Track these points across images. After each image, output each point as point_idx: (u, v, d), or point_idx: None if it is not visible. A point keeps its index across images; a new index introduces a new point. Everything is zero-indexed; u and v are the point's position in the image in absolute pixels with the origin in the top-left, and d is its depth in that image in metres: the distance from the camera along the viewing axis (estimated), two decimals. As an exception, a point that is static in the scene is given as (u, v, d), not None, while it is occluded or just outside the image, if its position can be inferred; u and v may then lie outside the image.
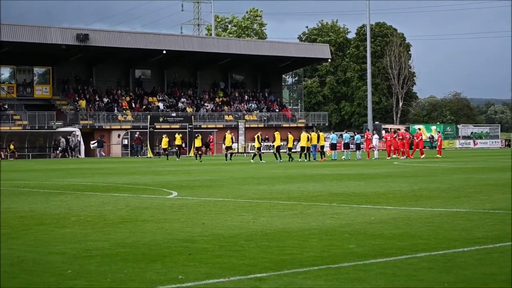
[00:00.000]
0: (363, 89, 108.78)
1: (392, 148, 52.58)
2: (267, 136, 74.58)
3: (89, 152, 67.46)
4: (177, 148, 58.14)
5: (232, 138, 54.05)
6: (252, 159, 49.08)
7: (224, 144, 53.15)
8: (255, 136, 50.97)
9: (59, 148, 65.64)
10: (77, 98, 72.66)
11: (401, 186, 24.37)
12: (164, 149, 59.65)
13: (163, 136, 60.00)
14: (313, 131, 55.54)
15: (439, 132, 66.11)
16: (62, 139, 65.90)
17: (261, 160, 47.49)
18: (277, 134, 50.30)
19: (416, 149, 54.22)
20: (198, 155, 54.63)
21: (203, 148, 62.41)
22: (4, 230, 13.90)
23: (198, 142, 55.06)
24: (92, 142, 67.81)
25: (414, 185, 24.50)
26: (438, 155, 54.26)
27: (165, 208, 17.71)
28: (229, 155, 51.82)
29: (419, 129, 57.45)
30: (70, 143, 66.11)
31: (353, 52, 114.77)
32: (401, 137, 52.80)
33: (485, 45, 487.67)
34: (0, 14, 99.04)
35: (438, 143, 58.19)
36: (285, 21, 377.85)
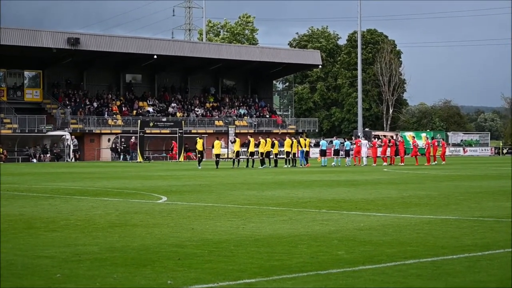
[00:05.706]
0: (354, 96, 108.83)
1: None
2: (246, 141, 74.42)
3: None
4: (199, 154, 51.38)
5: (203, 144, 51.36)
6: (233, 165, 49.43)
7: (208, 150, 51.03)
8: (198, 139, 50.69)
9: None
10: (67, 102, 72.50)
11: (391, 193, 24.41)
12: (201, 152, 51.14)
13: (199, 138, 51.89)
14: (301, 136, 55.64)
15: (427, 138, 66.14)
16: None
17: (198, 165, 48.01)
18: (252, 140, 50.59)
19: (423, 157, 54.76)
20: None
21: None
22: (-7, 233, 13.86)
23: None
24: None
25: (404, 192, 24.54)
26: (427, 163, 54.15)
27: (155, 213, 17.70)
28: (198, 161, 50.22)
29: (439, 136, 58.07)
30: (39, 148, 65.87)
31: (344, 59, 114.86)
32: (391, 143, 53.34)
33: (475, 52, 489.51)
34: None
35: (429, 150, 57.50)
36: (276, 27, 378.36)
